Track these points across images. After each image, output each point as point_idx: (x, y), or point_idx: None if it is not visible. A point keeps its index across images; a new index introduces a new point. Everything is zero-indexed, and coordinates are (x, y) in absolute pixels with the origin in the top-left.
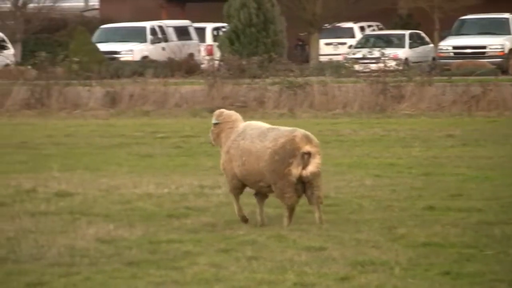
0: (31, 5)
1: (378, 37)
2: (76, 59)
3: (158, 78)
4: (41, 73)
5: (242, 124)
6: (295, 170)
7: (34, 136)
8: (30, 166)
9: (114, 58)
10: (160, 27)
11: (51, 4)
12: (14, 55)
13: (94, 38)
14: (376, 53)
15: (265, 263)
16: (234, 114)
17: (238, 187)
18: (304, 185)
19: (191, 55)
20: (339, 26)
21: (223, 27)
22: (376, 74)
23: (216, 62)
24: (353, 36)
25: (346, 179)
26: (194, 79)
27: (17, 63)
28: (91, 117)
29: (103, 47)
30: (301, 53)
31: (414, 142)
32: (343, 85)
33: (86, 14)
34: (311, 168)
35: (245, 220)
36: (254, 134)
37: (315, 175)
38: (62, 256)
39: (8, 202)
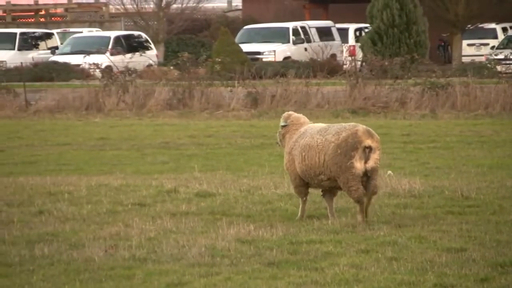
0: (174, 6)
1: None
2: (218, 59)
3: (300, 78)
4: (184, 74)
5: (305, 127)
6: (358, 164)
7: (176, 137)
8: (171, 167)
9: (257, 59)
10: (303, 27)
11: (194, 4)
12: (157, 55)
13: (237, 38)
14: None
15: (405, 264)
16: (302, 117)
17: (301, 185)
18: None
19: (333, 56)
20: (481, 27)
21: (365, 27)
22: None
23: (359, 62)
24: (495, 37)
25: (487, 180)
26: (336, 79)
27: (160, 64)
28: (233, 117)
29: (245, 47)
30: (443, 53)
31: None
32: (485, 86)
33: (229, 14)
34: (371, 163)
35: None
36: (313, 131)
37: (374, 170)
38: (202, 256)
39: (150, 203)
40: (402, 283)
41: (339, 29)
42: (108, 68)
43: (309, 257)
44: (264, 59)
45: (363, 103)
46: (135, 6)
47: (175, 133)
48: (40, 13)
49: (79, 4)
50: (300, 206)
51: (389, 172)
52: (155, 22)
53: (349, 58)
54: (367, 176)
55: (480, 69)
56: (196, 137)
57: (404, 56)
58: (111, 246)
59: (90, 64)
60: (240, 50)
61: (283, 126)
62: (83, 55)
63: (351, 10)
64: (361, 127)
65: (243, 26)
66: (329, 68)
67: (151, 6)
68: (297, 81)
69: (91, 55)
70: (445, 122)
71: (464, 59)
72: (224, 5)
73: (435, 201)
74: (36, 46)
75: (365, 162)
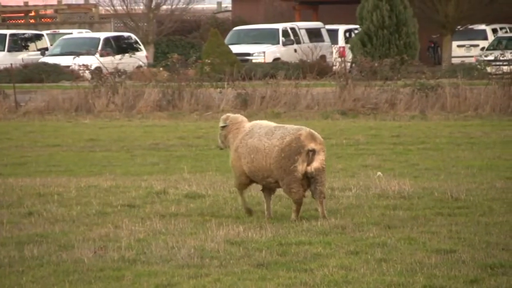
0: (164, 7)
1: (511, 39)
2: (208, 60)
3: (289, 80)
4: (173, 75)
5: (249, 124)
6: (300, 167)
7: (165, 138)
8: (161, 168)
9: (246, 60)
10: (293, 29)
11: (184, 6)
12: (147, 56)
13: (227, 39)
14: (508, 55)
15: (394, 266)
16: (240, 117)
17: (246, 183)
18: (309, 180)
19: (323, 57)
20: (471, 28)
21: (355, 29)
22: (508, 76)
23: (348, 64)
24: (485, 38)
25: (477, 181)
26: (325, 81)
27: (150, 65)
28: None
29: (235, 48)
30: (433, 55)
31: None
32: (474, 87)
33: (219, 15)
34: (316, 164)
35: (249, 212)
36: (261, 133)
37: (319, 171)
38: (192, 258)
39: (139, 204)
40: (391, 284)
41: (329, 30)
42: (98, 69)
43: (298, 259)
44: (253, 60)
45: (353, 104)
46: (124, 7)
47: (165, 135)
48: (30, 14)
49: (69, 6)
50: (240, 199)
51: (379, 173)
52: (145, 24)
53: (339, 60)
54: (313, 178)
55: (470, 71)
56: (186, 138)
57: (394, 57)
58: (100, 247)
59: (79, 66)
60: (230, 51)
61: (223, 127)
62: (73, 57)
63: (341, 11)
64: (304, 131)
65: (233, 27)
66: (319, 69)
67: (141, 7)
68: (286, 82)
69: (81, 56)
70: (434, 124)
71: (454, 61)
72: (213, 6)
73: (425, 202)
74: (26, 47)
75: (308, 165)
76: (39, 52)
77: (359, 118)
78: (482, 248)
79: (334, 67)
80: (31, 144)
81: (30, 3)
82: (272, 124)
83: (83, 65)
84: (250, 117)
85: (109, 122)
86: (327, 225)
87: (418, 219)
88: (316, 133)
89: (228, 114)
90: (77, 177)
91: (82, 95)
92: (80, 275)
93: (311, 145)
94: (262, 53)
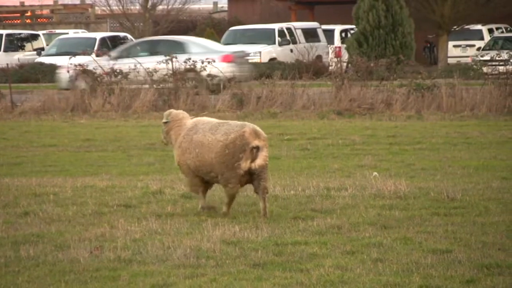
0: (160, 7)
1: (507, 39)
2: None
3: (285, 80)
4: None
5: (191, 120)
6: (244, 164)
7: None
8: (157, 168)
9: None
10: (289, 29)
11: (180, 6)
12: None
13: (223, 40)
14: (504, 55)
15: (390, 266)
16: (181, 113)
17: (197, 182)
18: (251, 176)
19: (319, 57)
20: (467, 28)
21: (351, 29)
22: (504, 76)
23: (344, 64)
24: (482, 38)
25: (473, 181)
26: (321, 81)
27: None
28: (218, 119)
29: (231, 49)
30: (429, 55)
31: None
32: (471, 87)
33: (215, 16)
34: (259, 161)
35: (209, 208)
36: (205, 128)
37: (263, 167)
38: (188, 258)
39: (135, 204)
40: (387, 284)
41: (325, 31)
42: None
43: (294, 259)
44: (249, 61)
45: (349, 104)
46: (121, 7)
47: (161, 135)
48: (26, 14)
49: (65, 6)
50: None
51: (375, 173)
52: (141, 24)
53: (335, 60)
54: (256, 175)
55: (466, 71)
56: None
57: (390, 57)
58: (97, 247)
59: (76, 66)
60: None
61: (165, 123)
62: (69, 57)
63: (337, 12)
64: (248, 128)
65: (229, 28)
66: (315, 69)
67: (137, 7)
68: (282, 82)
69: (77, 57)
70: (431, 124)
71: (450, 61)
72: (209, 6)
73: (421, 202)
74: (22, 48)
75: (252, 161)
76: (35, 52)
77: (355, 118)
78: (478, 248)
79: (330, 67)
80: (27, 144)
81: (26, 3)
82: (215, 120)
83: (79, 65)
84: (246, 117)
85: (105, 122)
86: (323, 225)
87: (414, 219)
88: (259, 129)
89: (171, 110)
90: (73, 177)
91: (78, 95)
92: (76, 275)
93: (255, 142)
94: (258, 53)
